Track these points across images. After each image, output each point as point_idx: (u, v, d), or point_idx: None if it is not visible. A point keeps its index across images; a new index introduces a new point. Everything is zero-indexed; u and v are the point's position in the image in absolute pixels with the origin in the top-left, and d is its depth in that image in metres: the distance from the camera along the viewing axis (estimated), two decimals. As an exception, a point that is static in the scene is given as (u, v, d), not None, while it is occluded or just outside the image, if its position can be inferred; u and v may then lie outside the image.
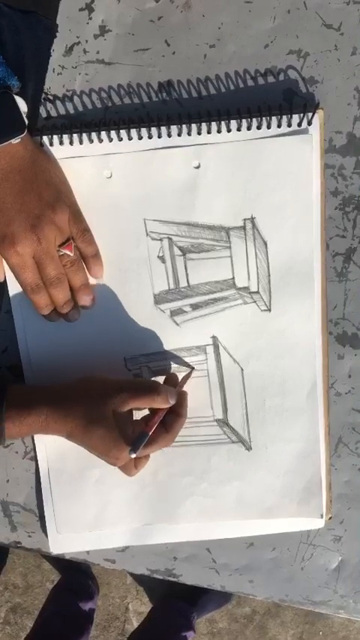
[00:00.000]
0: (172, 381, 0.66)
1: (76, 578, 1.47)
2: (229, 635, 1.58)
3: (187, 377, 0.67)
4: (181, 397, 0.65)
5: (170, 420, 0.63)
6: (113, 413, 0.60)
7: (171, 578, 0.72)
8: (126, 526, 0.69)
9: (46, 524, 0.70)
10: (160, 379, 0.67)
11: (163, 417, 0.63)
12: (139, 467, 0.64)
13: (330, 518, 0.69)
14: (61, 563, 1.51)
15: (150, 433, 0.61)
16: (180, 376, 0.67)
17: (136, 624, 1.55)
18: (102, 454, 0.62)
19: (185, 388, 0.67)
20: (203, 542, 0.70)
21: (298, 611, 1.56)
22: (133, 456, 0.60)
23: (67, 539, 0.70)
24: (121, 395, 0.61)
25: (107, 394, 0.61)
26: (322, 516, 0.68)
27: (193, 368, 0.67)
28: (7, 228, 0.59)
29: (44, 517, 0.70)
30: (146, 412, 0.65)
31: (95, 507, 0.68)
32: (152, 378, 0.67)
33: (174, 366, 0.68)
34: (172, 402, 0.63)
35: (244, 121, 0.61)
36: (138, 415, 0.64)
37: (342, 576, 0.70)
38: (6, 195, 0.58)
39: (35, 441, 0.69)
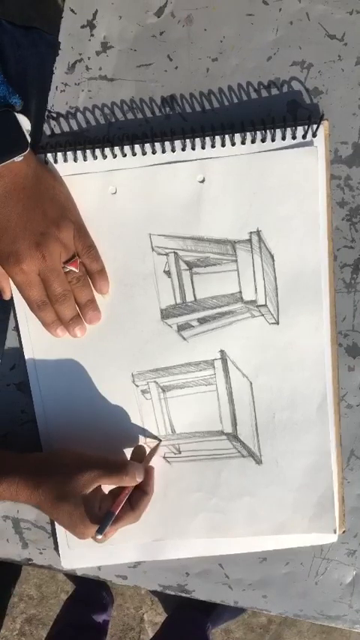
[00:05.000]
0: (140, 453, 0.66)
1: (90, 589, 1.47)
2: (245, 645, 1.57)
3: (154, 450, 0.67)
4: (148, 474, 0.65)
5: (136, 497, 0.64)
6: (81, 491, 0.61)
7: (183, 594, 0.72)
8: (136, 542, 0.69)
9: (57, 539, 0.70)
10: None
11: (130, 494, 0.64)
12: (108, 536, 0.63)
13: (344, 531, 0.68)
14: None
15: (116, 513, 0.61)
16: (147, 449, 0.67)
17: (151, 634, 1.54)
18: (68, 529, 0.63)
19: (194, 403, 0.66)
20: (216, 557, 0.70)
21: (314, 620, 1.54)
22: (100, 537, 0.61)
23: (78, 554, 0.70)
24: (89, 473, 0.61)
25: (77, 471, 0.62)
26: (335, 531, 0.67)
27: (160, 440, 0.68)
28: (12, 247, 0.59)
29: (55, 533, 0.70)
30: None
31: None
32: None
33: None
34: (140, 480, 0.63)
35: (248, 134, 0.61)
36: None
37: (357, 590, 0.69)
38: (10, 213, 0.58)
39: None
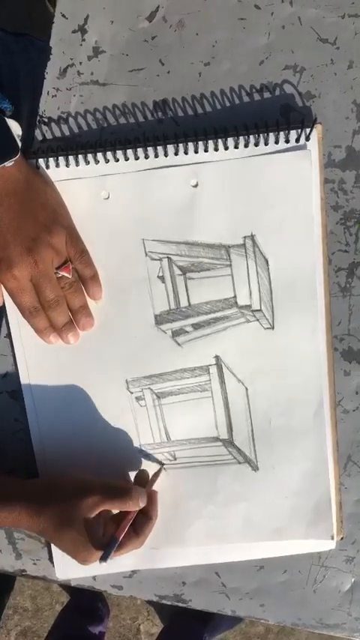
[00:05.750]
0: (143, 478, 0.66)
1: (85, 600, 1.45)
2: (243, 655, 1.55)
3: (156, 475, 0.66)
4: (151, 499, 0.65)
5: (140, 522, 0.63)
6: (84, 516, 0.60)
7: (180, 604, 0.71)
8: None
9: (52, 549, 0.69)
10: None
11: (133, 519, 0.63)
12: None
13: (342, 538, 0.67)
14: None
15: (120, 538, 0.61)
16: (150, 473, 0.66)
17: (147, 646, 1.53)
18: (71, 555, 0.62)
19: (189, 410, 0.66)
20: (212, 566, 0.69)
21: (312, 628, 1.53)
22: (104, 565, 0.59)
23: (72, 564, 0.68)
24: (92, 498, 0.60)
25: (78, 496, 0.61)
26: (332, 538, 0.67)
27: (163, 464, 0.67)
28: (3, 252, 0.58)
29: (50, 544, 0.69)
30: None
31: (101, 532, 0.67)
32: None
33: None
34: (143, 504, 0.62)
35: (241, 138, 0.61)
36: None
37: (355, 598, 0.69)
38: (1, 218, 0.58)
39: (38, 466, 0.68)
